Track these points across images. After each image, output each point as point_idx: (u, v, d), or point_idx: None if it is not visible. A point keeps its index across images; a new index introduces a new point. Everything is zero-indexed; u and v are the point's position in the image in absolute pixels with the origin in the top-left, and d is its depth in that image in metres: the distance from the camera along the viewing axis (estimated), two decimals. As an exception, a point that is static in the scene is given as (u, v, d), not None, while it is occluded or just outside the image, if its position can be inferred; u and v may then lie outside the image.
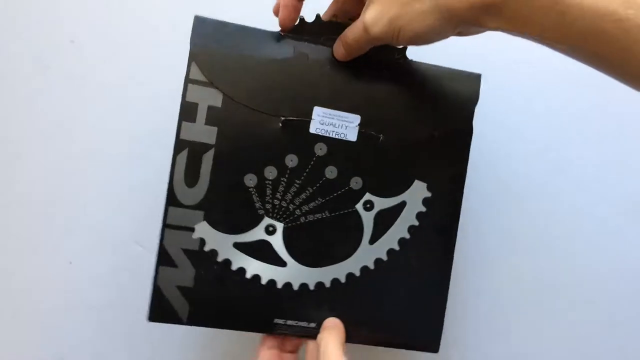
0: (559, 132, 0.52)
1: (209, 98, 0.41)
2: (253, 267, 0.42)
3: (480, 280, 0.53)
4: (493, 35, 0.37)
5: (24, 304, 0.52)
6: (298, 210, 0.43)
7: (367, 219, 0.44)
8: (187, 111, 0.41)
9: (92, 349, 0.52)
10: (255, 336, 0.43)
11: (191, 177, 0.41)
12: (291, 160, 0.43)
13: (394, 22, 0.36)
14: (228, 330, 0.42)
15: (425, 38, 0.37)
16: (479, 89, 0.45)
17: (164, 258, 0.41)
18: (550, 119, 0.52)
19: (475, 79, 0.45)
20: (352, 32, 0.40)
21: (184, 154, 0.41)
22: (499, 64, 0.53)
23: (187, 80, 0.41)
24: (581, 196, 0.53)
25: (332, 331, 0.41)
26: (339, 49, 0.42)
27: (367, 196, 0.44)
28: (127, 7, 0.52)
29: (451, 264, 0.45)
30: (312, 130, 0.43)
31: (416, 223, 0.44)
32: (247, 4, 0.51)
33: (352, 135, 0.43)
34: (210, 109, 0.41)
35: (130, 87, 0.52)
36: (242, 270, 0.42)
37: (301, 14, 0.43)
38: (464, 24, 0.35)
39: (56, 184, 0.52)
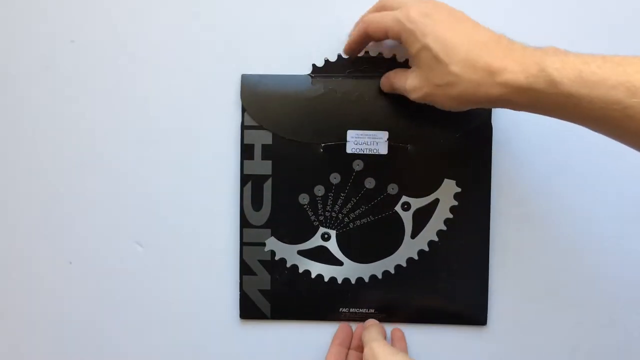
0: (560, 132, 0.52)
1: (262, 138, 0.51)
2: (316, 268, 0.52)
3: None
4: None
5: (24, 304, 0.54)
6: (346, 218, 0.52)
7: (407, 218, 0.51)
8: (246, 151, 0.51)
9: (92, 348, 0.54)
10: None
11: (257, 203, 0.52)
12: (335, 178, 0.51)
13: (428, 97, 0.43)
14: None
15: (454, 111, 0.43)
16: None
17: (245, 268, 0.52)
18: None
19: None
20: (398, 83, 0.47)
21: (248, 186, 0.51)
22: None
23: (243, 127, 0.51)
24: (582, 197, 0.53)
25: (371, 327, 0.50)
26: (385, 87, 0.50)
27: (404, 198, 0.51)
28: (127, 7, 0.52)
29: (488, 246, 0.51)
30: (348, 150, 0.51)
31: (451, 216, 0.51)
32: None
33: (383, 149, 0.51)
34: (264, 146, 0.51)
35: (130, 87, 0.53)
36: (307, 272, 0.52)
37: (325, 55, 0.51)
38: (487, 107, 0.42)
39: (56, 184, 0.53)
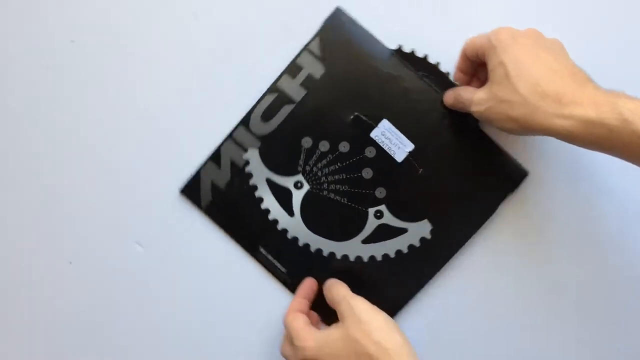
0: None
1: (314, 68, 0.51)
2: (269, 202, 0.52)
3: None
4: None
5: (24, 304, 0.54)
6: (326, 183, 0.51)
7: (370, 224, 0.51)
8: (292, 69, 0.51)
9: (92, 348, 0.54)
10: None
11: (267, 115, 0.51)
12: (343, 147, 0.51)
13: (489, 111, 0.43)
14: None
15: (511, 134, 0.44)
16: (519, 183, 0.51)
17: (214, 157, 0.52)
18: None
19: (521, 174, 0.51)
20: (464, 96, 0.47)
21: (271, 96, 0.51)
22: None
23: (305, 48, 0.51)
24: (581, 197, 0.52)
25: (338, 284, 0.49)
26: (448, 99, 0.49)
27: (382, 207, 0.51)
28: (127, 7, 0.52)
29: (419, 289, 0.52)
30: (372, 134, 0.51)
31: (418, 244, 0.51)
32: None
33: (399, 157, 0.51)
34: (309, 75, 0.51)
35: (131, 87, 0.53)
36: (260, 199, 0.52)
37: (412, 46, 0.51)
38: (545, 135, 0.42)
39: (56, 184, 0.53)
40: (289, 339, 0.47)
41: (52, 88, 0.53)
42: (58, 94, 0.53)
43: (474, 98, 0.45)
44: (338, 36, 0.51)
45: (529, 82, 0.40)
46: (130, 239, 0.53)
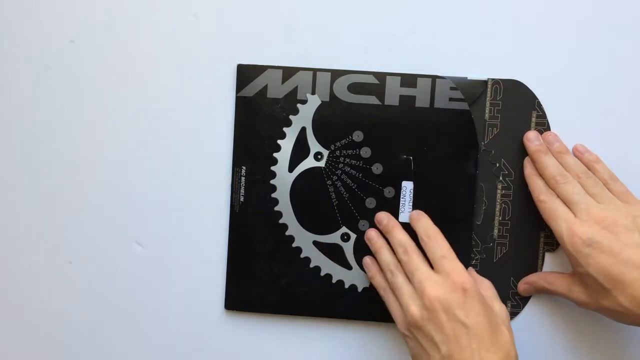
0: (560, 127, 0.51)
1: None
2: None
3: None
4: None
5: (24, 304, 0.54)
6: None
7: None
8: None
9: (92, 348, 0.54)
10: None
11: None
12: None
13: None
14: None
15: None
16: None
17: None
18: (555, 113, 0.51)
19: None
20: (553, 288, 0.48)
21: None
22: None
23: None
24: None
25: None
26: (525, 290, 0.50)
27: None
28: (127, 7, 0.52)
29: None
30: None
31: None
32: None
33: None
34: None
35: (131, 88, 0.52)
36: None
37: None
38: None
39: (56, 184, 0.53)
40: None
41: (52, 88, 0.53)
42: (58, 94, 0.53)
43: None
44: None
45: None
46: (130, 239, 0.54)
